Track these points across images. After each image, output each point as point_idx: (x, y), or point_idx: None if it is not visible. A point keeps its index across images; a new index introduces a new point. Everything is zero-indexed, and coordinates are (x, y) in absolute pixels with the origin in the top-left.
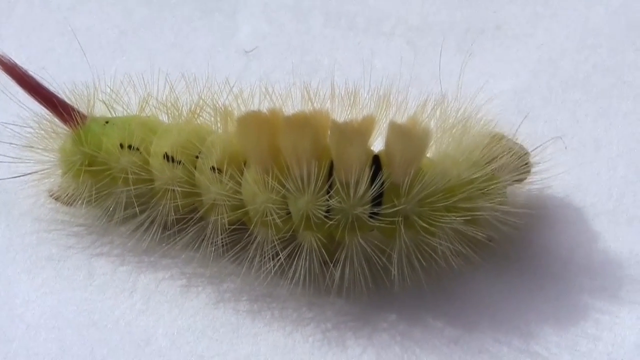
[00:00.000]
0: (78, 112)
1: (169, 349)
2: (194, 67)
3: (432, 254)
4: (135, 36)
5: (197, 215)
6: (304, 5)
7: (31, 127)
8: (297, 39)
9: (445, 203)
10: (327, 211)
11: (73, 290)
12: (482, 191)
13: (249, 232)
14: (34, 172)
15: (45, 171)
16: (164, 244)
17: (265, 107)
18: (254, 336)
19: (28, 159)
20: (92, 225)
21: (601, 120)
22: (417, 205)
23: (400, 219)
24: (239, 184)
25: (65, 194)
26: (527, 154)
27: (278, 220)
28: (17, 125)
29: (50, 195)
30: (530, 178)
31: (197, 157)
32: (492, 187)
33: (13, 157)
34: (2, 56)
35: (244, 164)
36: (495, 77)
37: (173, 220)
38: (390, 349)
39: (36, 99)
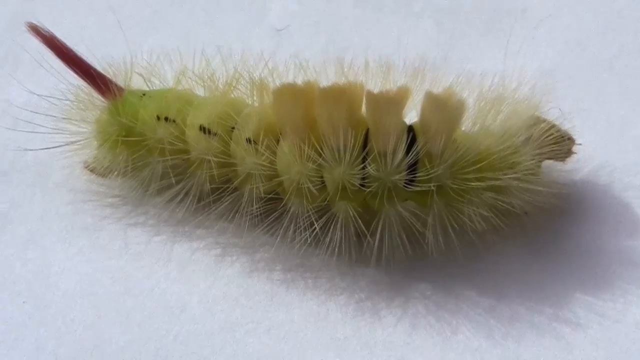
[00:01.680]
0: (115, 85)
1: (203, 316)
2: (225, 45)
3: (465, 222)
4: (167, 14)
5: (232, 185)
6: None
7: (68, 99)
8: (327, 18)
9: (476, 173)
10: (363, 180)
11: (109, 259)
12: (509, 164)
13: (283, 203)
14: (70, 143)
15: (82, 142)
16: (198, 215)
17: (299, 80)
18: (287, 305)
19: (64, 131)
20: (127, 196)
21: (627, 100)
22: (450, 173)
23: (433, 186)
24: (274, 154)
25: (101, 166)
26: (570, 139)
27: (313, 190)
28: (54, 97)
29: (86, 167)
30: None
31: (232, 128)
32: (519, 160)
33: (50, 129)
34: (41, 28)
35: (280, 135)
36: (523, 58)
37: (208, 190)
38: (425, 318)
39: (74, 70)
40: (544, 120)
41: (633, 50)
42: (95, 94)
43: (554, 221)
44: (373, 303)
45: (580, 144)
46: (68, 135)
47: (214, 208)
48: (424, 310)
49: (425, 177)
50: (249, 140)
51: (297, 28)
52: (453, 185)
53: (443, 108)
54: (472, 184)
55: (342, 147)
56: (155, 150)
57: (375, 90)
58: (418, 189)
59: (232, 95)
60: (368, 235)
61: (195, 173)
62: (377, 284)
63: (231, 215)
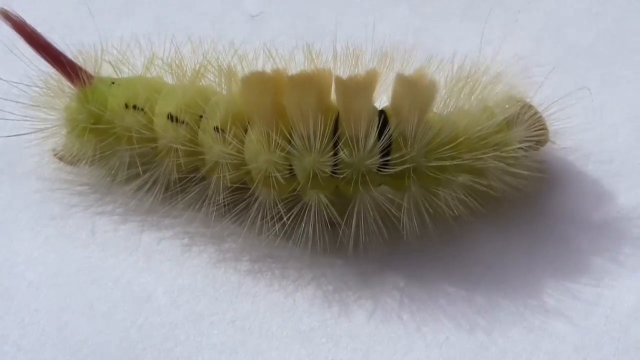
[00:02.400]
0: (85, 72)
1: (169, 306)
2: (200, 30)
3: (442, 206)
4: (140, 1)
5: (200, 175)
6: None
7: (37, 86)
8: (303, 4)
9: (452, 153)
10: (335, 167)
11: (75, 248)
12: (491, 144)
13: (250, 192)
14: (38, 131)
15: (50, 130)
16: (166, 204)
17: (269, 68)
18: (253, 296)
19: (33, 118)
20: (95, 185)
21: (605, 87)
22: (425, 155)
23: (409, 167)
24: (242, 143)
25: (69, 154)
26: (542, 118)
27: (281, 179)
28: (23, 84)
29: (54, 155)
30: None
31: (200, 117)
32: (499, 141)
33: (18, 115)
34: (12, 14)
35: (248, 124)
36: (501, 44)
37: (175, 179)
38: (394, 311)
39: (44, 57)
40: (529, 105)
41: (612, 37)
42: (64, 82)
43: (530, 204)
44: (341, 295)
45: (555, 144)
46: (37, 123)
47: (181, 197)
48: (394, 302)
49: (399, 160)
50: (216, 129)
51: (272, 14)
52: (429, 165)
53: (414, 89)
54: (448, 163)
55: (312, 135)
56: (123, 139)
57: (344, 76)
58: (392, 171)
59: (201, 83)
60: (342, 224)
61: (162, 162)
62: (346, 275)
63: (199, 204)
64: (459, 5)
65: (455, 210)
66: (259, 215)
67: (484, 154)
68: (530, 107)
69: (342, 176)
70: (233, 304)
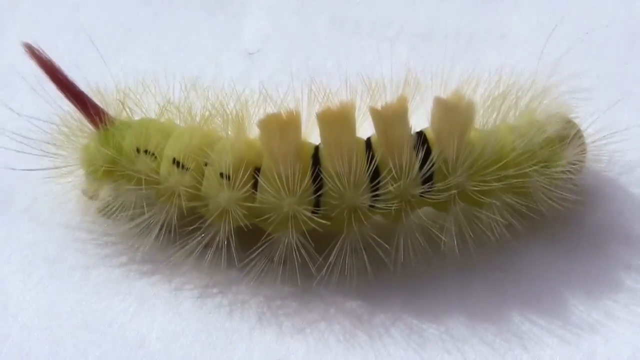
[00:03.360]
0: (105, 114)
1: (162, 352)
2: (197, 67)
3: (483, 224)
4: (139, 35)
5: (206, 222)
6: (309, 8)
7: (54, 124)
8: (301, 42)
9: (498, 172)
10: (373, 199)
11: (68, 291)
12: (538, 162)
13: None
14: (55, 169)
15: (67, 168)
16: (163, 249)
17: (282, 110)
18: (247, 342)
19: (50, 155)
20: (88, 228)
21: None
22: (470, 177)
23: (454, 192)
24: (253, 188)
25: (91, 190)
26: (579, 132)
27: (307, 219)
28: (41, 120)
29: (83, 192)
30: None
31: (205, 164)
32: (547, 157)
33: (34, 152)
34: (38, 51)
35: (256, 170)
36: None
37: (175, 224)
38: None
39: (67, 96)
40: (575, 124)
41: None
42: (84, 121)
43: (570, 221)
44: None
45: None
46: (53, 160)
47: (182, 244)
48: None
49: (444, 186)
50: (222, 175)
51: (270, 51)
52: (474, 190)
53: (453, 112)
54: (494, 185)
55: (347, 170)
56: (132, 180)
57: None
58: (437, 197)
59: (207, 128)
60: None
61: (163, 205)
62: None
63: (201, 251)
64: (458, 45)
65: (497, 230)
66: (277, 259)
67: (530, 169)
68: (575, 126)
69: (384, 207)
70: (226, 350)
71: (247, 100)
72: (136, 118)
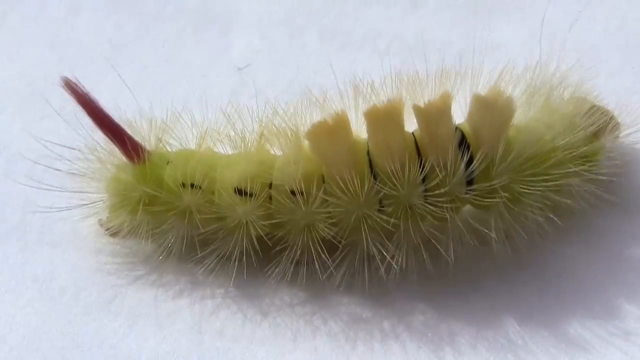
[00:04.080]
0: (143, 148)
1: None
2: (186, 83)
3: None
4: (127, 50)
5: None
6: (298, 22)
7: (83, 155)
8: (291, 56)
9: (539, 169)
10: (425, 198)
11: (57, 312)
12: (579, 155)
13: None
14: (84, 203)
15: (96, 203)
16: (154, 270)
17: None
18: None
19: (77, 188)
20: (77, 248)
21: None
22: (512, 174)
23: (499, 191)
24: (324, 199)
25: (116, 226)
26: (613, 117)
27: (377, 220)
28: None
29: (101, 226)
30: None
31: (270, 185)
32: (588, 153)
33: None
34: (75, 84)
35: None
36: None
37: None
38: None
39: (104, 131)
40: (588, 100)
41: None
42: (114, 153)
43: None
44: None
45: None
46: (81, 194)
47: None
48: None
49: (487, 185)
50: (293, 193)
51: (259, 65)
52: (516, 187)
53: (494, 108)
54: (536, 182)
55: (400, 168)
56: (183, 217)
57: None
58: (482, 197)
59: (257, 149)
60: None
61: (231, 236)
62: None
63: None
64: (449, 58)
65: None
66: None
67: (573, 167)
68: (605, 111)
69: (435, 205)
70: None
71: (291, 112)
72: (170, 148)
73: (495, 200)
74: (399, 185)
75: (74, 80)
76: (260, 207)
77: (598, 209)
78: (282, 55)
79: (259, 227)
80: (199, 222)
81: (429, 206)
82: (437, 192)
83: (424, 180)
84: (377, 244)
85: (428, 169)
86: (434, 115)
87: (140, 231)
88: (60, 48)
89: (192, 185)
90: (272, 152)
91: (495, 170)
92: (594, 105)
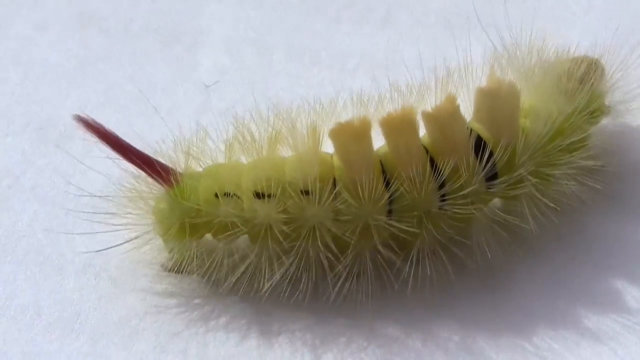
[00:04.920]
0: (173, 171)
1: None
2: (153, 100)
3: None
4: (93, 67)
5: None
6: (267, 39)
7: (123, 194)
8: (259, 73)
9: (561, 143)
10: (442, 201)
11: (18, 331)
12: (588, 114)
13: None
14: (132, 239)
15: (144, 236)
16: (118, 287)
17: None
18: None
19: (120, 225)
20: (40, 265)
21: None
22: (538, 158)
23: (525, 177)
24: (336, 199)
25: (175, 262)
26: (598, 61)
27: (405, 227)
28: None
29: (164, 269)
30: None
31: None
32: (595, 101)
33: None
34: (93, 122)
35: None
36: None
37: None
38: None
39: (133, 162)
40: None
41: None
42: (146, 184)
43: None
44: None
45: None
46: (125, 229)
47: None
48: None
49: (515, 176)
50: (305, 192)
51: (227, 83)
52: (542, 169)
53: (500, 98)
54: (562, 156)
55: (416, 173)
56: (223, 229)
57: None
58: (510, 188)
59: (272, 152)
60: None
61: (263, 246)
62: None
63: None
64: (419, 76)
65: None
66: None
67: (583, 123)
68: (585, 59)
69: (456, 207)
70: None
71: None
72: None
73: (524, 187)
74: (415, 192)
75: (87, 117)
76: (278, 208)
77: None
78: (250, 73)
79: (279, 231)
80: (231, 229)
81: (449, 210)
82: (459, 193)
83: (440, 185)
84: (388, 251)
85: (447, 173)
86: (446, 118)
87: (192, 258)
88: (25, 65)
89: (225, 195)
90: (282, 153)
91: (519, 159)
92: (574, 59)
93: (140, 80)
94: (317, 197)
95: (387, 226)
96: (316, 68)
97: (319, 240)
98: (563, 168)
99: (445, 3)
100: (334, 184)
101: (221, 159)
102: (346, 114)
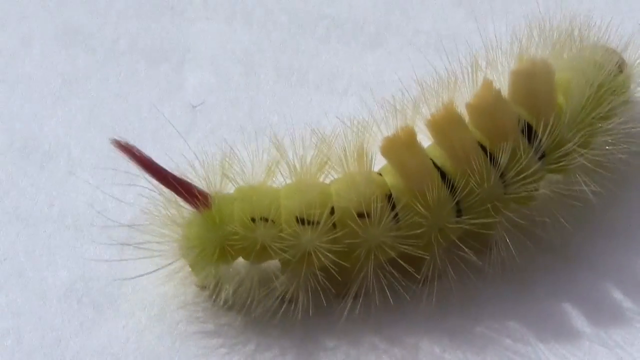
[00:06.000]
0: (208, 195)
1: None
2: (138, 120)
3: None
4: (78, 86)
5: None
6: (255, 59)
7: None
8: (246, 94)
9: (600, 110)
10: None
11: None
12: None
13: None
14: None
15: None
16: (99, 312)
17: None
18: None
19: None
20: (22, 289)
21: None
22: (586, 129)
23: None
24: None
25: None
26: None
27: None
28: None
29: (202, 288)
30: None
31: (332, 210)
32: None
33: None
34: (131, 147)
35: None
36: None
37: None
38: None
39: (172, 188)
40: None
41: None
42: (175, 210)
43: None
44: None
45: None
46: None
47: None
48: None
49: (567, 149)
50: (359, 215)
51: (213, 103)
52: (590, 138)
53: (536, 76)
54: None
55: (476, 169)
56: (260, 254)
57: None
58: (559, 164)
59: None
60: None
61: (296, 272)
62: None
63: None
64: (407, 97)
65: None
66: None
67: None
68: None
69: (519, 191)
70: None
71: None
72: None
73: (576, 159)
74: (485, 184)
75: (124, 141)
76: (324, 235)
77: None
78: (237, 94)
79: (322, 257)
80: (274, 254)
81: (515, 193)
82: (522, 175)
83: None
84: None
85: (506, 160)
86: (491, 104)
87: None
88: (10, 82)
89: (262, 219)
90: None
91: (563, 133)
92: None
93: (126, 99)
94: (377, 217)
95: (459, 227)
96: (304, 88)
97: (378, 259)
98: (607, 135)
99: (436, 24)
100: (389, 202)
101: (252, 181)
102: (382, 131)
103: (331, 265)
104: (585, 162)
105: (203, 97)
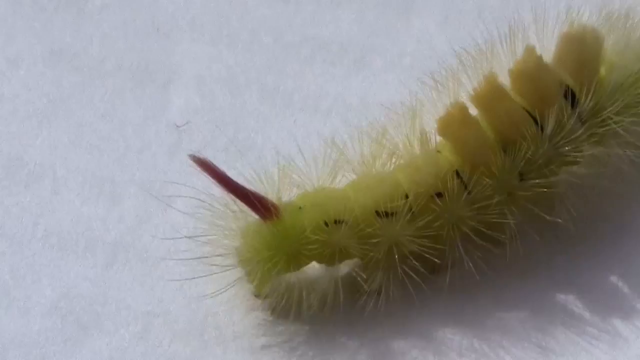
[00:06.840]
0: (276, 205)
1: None
2: (122, 140)
3: None
4: (64, 105)
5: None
6: (239, 80)
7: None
8: (231, 114)
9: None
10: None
11: None
12: None
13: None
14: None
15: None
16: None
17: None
18: None
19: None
20: (8, 306)
21: None
22: (626, 97)
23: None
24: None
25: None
26: None
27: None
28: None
29: (258, 297)
30: None
31: (407, 197)
32: None
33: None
34: (210, 163)
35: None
36: None
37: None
38: None
39: (246, 201)
40: None
41: None
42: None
43: None
44: None
45: None
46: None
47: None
48: None
49: (606, 113)
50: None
51: (198, 124)
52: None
53: (584, 41)
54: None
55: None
56: (334, 258)
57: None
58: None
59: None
60: None
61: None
62: None
63: None
64: (393, 118)
65: None
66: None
67: None
68: None
69: (570, 153)
70: None
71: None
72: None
73: (612, 127)
74: (543, 148)
75: (202, 157)
76: (406, 223)
77: None
78: (222, 114)
79: (410, 245)
80: (358, 253)
81: (568, 154)
82: (570, 138)
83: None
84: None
85: (552, 124)
86: (534, 69)
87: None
88: None
89: (335, 222)
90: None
91: (607, 101)
92: None
93: (111, 119)
94: (455, 194)
95: (527, 192)
96: (289, 109)
97: (462, 231)
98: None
99: (420, 45)
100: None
101: (313, 186)
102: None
103: (420, 249)
104: (623, 132)
105: (188, 118)
